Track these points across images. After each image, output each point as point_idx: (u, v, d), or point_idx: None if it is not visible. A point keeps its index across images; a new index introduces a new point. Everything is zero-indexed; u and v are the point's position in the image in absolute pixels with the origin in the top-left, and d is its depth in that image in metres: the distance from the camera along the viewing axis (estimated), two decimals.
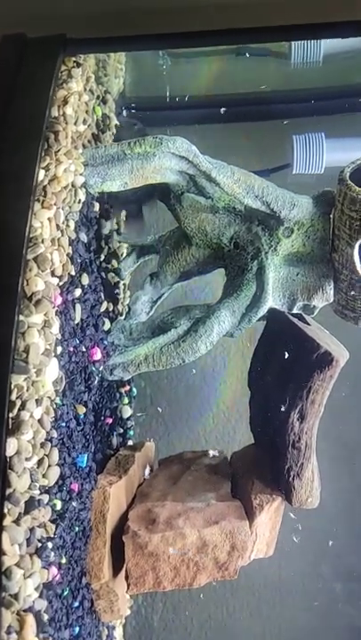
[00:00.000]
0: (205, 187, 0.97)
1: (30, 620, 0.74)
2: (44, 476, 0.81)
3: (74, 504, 0.87)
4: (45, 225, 0.83)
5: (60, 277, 0.87)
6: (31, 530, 0.77)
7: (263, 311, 0.99)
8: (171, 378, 1.36)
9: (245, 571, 0.95)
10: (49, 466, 0.82)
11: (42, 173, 0.85)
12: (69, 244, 0.90)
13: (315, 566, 1.35)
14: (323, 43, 1.16)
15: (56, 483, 0.83)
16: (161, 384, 1.38)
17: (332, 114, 1.25)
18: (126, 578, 0.94)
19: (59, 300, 0.85)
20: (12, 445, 0.73)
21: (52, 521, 0.82)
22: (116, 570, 0.95)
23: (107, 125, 1.11)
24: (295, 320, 0.99)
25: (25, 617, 0.74)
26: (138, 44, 0.99)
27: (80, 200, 0.94)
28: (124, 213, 1.20)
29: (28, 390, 0.78)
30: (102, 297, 1.04)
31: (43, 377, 0.80)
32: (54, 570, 0.82)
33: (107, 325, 1.03)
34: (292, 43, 1.15)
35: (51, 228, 0.84)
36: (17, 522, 0.74)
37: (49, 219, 0.84)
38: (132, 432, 1.19)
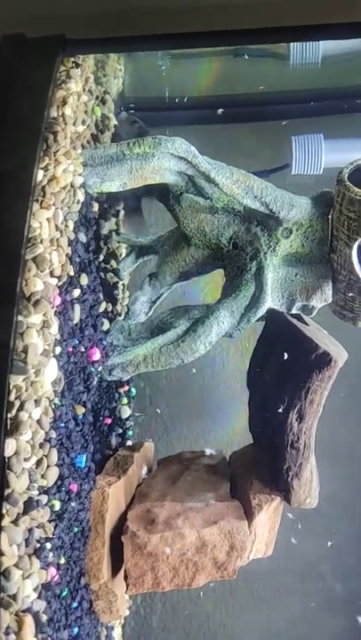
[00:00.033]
0: (204, 187, 0.97)
1: (29, 621, 0.74)
2: (42, 476, 0.81)
3: (73, 504, 0.87)
4: (44, 225, 0.83)
5: (59, 278, 0.87)
6: (30, 530, 0.77)
7: (262, 311, 0.99)
8: (170, 378, 1.36)
9: (244, 571, 0.95)
10: (48, 466, 0.82)
11: (41, 174, 0.85)
12: (68, 245, 0.90)
13: (313, 566, 1.35)
14: (321, 44, 1.16)
15: (55, 483, 0.83)
16: (160, 384, 1.38)
17: (331, 115, 1.25)
18: (125, 578, 0.94)
19: (57, 301, 0.85)
20: (10, 446, 0.73)
21: (51, 521, 0.82)
22: (114, 570, 0.95)
23: (106, 126, 1.11)
24: (294, 320, 0.99)
25: (23, 618, 0.74)
26: (137, 44, 0.99)
27: (79, 200, 0.94)
28: (122, 213, 1.20)
29: (26, 391, 0.78)
30: (101, 297, 1.04)
31: (41, 377, 0.80)
32: (53, 570, 0.82)
33: (106, 326, 1.03)
34: (291, 44, 1.16)
35: (49, 228, 0.84)
36: (15, 522, 0.74)
37: (48, 219, 0.84)
38: (130, 432, 1.19)
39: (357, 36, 0.89)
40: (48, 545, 0.80)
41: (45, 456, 0.81)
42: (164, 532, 0.91)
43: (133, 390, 1.22)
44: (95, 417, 1.02)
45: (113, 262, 1.14)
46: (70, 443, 0.89)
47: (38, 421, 0.80)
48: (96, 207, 1.04)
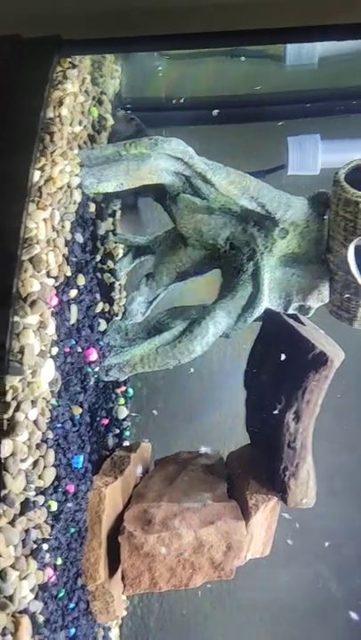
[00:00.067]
0: (201, 188, 0.97)
1: (25, 622, 0.74)
2: (39, 477, 0.81)
3: (69, 505, 0.87)
4: (41, 226, 0.83)
5: (56, 278, 0.87)
6: (26, 531, 0.77)
7: (259, 312, 0.99)
8: (167, 378, 1.36)
9: (241, 570, 0.95)
10: (44, 467, 0.82)
11: (37, 174, 0.85)
12: (65, 245, 0.90)
13: (311, 566, 1.36)
14: (318, 45, 1.16)
15: (51, 484, 0.83)
16: (157, 384, 1.38)
17: (328, 115, 1.26)
18: (122, 579, 0.94)
19: (54, 301, 0.85)
20: (7, 447, 0.73)
21: (48, 522, 0.82)
22: (111, 571, 0.95)
23: (103, 126, 1.11)
24: (291, 320, 1.00)
25: (20, 619, 0.74)
26: (134, 45, 0.99)
27: (76, 201, 0.94)
28: (119, 213, 1.21)
29: (23, 391, 0.78)
30: (98, 298, 1.04)
31: (38, 378, 0.80)
32: (50, 571, 0.82)
33: (102, 326, 1.03)
34: (287, 45, 1.16)
35: (46, 228, 0.84)
36: (12, 523, 0.74)
37: (44, 219, 0.84)
38: (127, 433, 1.19)
39: (357, 37, 0.89)
40: (45, 546, 0.80)
41: (42, 457, 0.81)
42: (160, 532, 0.91)
43: (130, 391, 1.22)
44: (92, 417, 1.02)
45: (110, 263, 1.14)
46: (67, 443, 0.89)
47: (35, 422, 0.80)
48: (93, 207, 1.04)
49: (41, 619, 0.79)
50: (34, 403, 0.79)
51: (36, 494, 0.80)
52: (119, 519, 0.95)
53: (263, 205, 0.96)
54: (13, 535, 0.74)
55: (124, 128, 1.14)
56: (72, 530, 0.88)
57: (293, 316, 1.01)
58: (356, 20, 0.83)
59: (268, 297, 0.99)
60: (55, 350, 0.85)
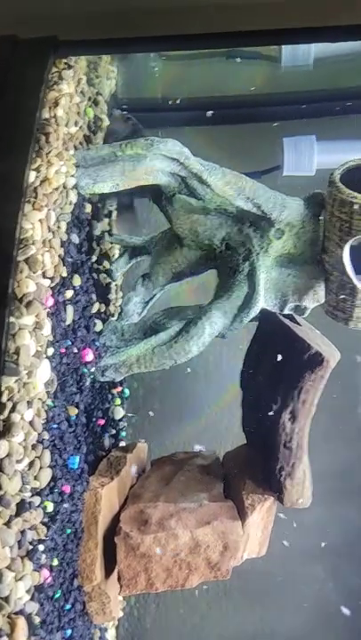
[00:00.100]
0: (197, 188, 0.98)
1: (21, 623, 0.74)
2: (35, 478, 0.81)
3: (65, 506, 0.87)
4: (36, 226, 0.83)
5: (52, 279, 0.87)
6: (22, 532, 0.77)
7: (255, 312, 0.99)
8: (163, 379, 1.36)
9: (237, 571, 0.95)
10: (40, 468, 0.82)
11: (33, 175, 0.85)
12: (61, 246, 0.90)
13: (307, 566, 1.36)
14: (313, 46, 1.17)
15: (47, 485, 0.83)
16: (153, 385, 1.38)
17: (323, 117, 1.26)
18: (118, 579, 0.94)
19: (50, 302, 0.85)
20: (2, 447, 0.73)
21: (44, 523, 0.82)
22: (108, 571, 0.95)
23: (98, 127, 1.11)
24: (286, 321, 1.00)
25: (16, 620, 0.73)
26: (130, 46, 1.00)
27: (71, 201, 0.94)
28: (115, 214, 1.21)
29: (19, 392, 0.77)
30: (94, 298, 1.04)
31: (34, 379, 0.80)
32: (46, 572, 0.81)
33: (98, 326, 1.03)
34: (283, 46, 1.16)
35: (42, 229, 0.84)
36: (8, 524, 0.74)
37: (40, 220, 0.84)
38: (124, 433, 1.19)
39: (356, 38, 0.89)
40: (41, 547, 0.80)
41: (38, 457, 0.81)
42: (157, 532, 0.91)
43: (127, 391, 1.22)
44: (88, 418, 1.02)
45: (106, 263, 1.14)
46: (63, 444, 0.89)
47: (31, 423, 0.80)
48: (89, 208, 1.04)
49: (37, 620, 0.79)
50: (30, 403, 0.79)
51: (32, 495, 0.80)
52: (115, 520, 0.95)
53: (259, 206, 0.97)
54: (9, 536, 0.74)
55: (121, 128, 1.14)
56: (68, 531, 0.88)
57: (289, 317, 1.02)
58: (355, 22, 0.83)
59: (264, 297, 0.99)
60: (51, 351, 0.85)
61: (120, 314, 1.15)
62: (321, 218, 0.98)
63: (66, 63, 0.97)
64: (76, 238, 0.97)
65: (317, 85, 1.26)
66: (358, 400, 1.35)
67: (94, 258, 1.08)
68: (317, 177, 1.22)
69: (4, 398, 0.75)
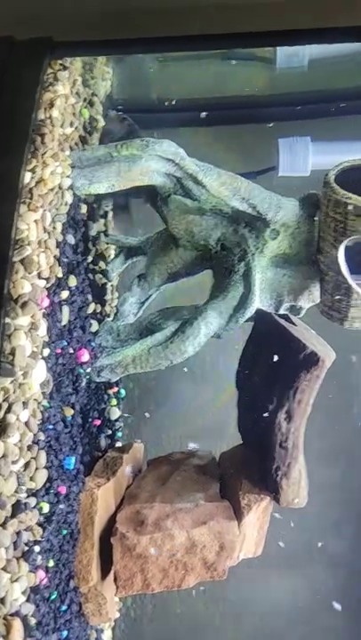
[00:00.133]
0: (192, 189, 0.98)
1: (17, 625, 0.74)
2: (31, 478, 0.81)
3: (61, 507, 0.87)
4: (32, 227, 0.83)
5: (47, 279, 0.87)
6: (18, 533, 0.77)
7: (250, 312, 0.99)
8: (159, 379, 1.36)
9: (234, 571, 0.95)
10: (36, 469, 0.82)
11: (28, 176, 0.85)
12: (56, 246, 0.90)
13: (304, 567, 1.36)
14: (308, 48, 1.17)
15: (43, 485, 0.83)
16: (149, 385, 1.38)
17: (318, 118, 1.27)
18: (115, 580, 0.94)
19: (46, 303, 0.85)
20: None
21: (40, 524, 0.82)
22: (104, 572, 0.95)
23: (94, 128, 1.11)
24: (282, 321, 1.00)
25: (12, 621, 0.73)
26: (126, 47, 1.00)
27: (67, 202, 0.94)
28: (111, 215, 1.21)
29: (14, 393, 0.77)
30: (90, 299, 1.04)
31: (29, 379, 0.80)
32: (42, 573, 0.81)
33: (94, 327, 1.03)
34: (277, 48, 1.17)
35: (37, 230, 0.84)
36: (3, 525, 0.74)
37: (35, 221, 0.84)
38: (120, 433, 1.19)
39: (356, 39, 0.89)
40: (37, 548, 0.80)
41: (34, 458, 0.81)
42: (153, 533, 0.91)
43: (122, 391, 1.22)
44: (84, 418, 1.02)
45: (102, 264, 1.14)
46: (59, 445, 0.89)
47: (26, 423, 0.80)
48: (84, 209, 1.04)
49: (33, 621, 0.79)
50: (25, 404, 0.79)
51: (28, 496, 0.80)
52: (112, 520, 0.95)
53: (254, 206, 0.97)
54: (5, 537, 0.73)
55: (117, 128, 1.15)
56: (64, 532, 0.88)
57: (285, 317, 1.02)
58: (354, 23, 0.84)
59: (260, 297, 0.99)
60: (47, 351, 0.85)
61: (116, 314, 1.15)
62: (316, 218, 0.99)
63: (61, 64, 0.97)
64: (71, 239, 0.97)
65: (312, 87, 1.27)
66: (354, 400, 1.35)
67: (90, 258, 1.08)
68: (312, 178, 1.22)
69: (0, 399, 0.75)
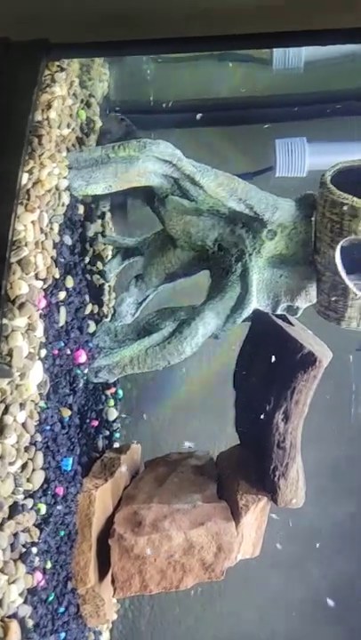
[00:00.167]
0: (189, 190, 0.98)
1: (14, 627, 0.73)
2: (28, 480, 0.80)
3: (59, 508, 0.86)
4: (29, 228, 0.83)
5: (45, 280, 0.87)
6: (15, 535, 0.76)
7: (248, 312, 1.00)
8: (156, 379, 1.36)
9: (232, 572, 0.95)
10: (33, 470, 0.81)
11: (25, 177, 0.85)
12: (53, 247, 0.90)
13: (301, 568, 1.36)
14: (304, 50, 1.18)
15: (40, 487, 0.83)
16: (147, 386, 1.38)
17: (314, 119, 1.27)
18: (112, 582, 0.93)
19: (43, 303, 0.85)
20: None
21: (37, 525, 0.81)
22: (102, 574, 0.95)
23: (91, 129, 1.11)
24: (279, 321, 1.00)
25: (9, 623, 0.73)
26: (122, 49, 1.00)
27: (64, 203, 0.94)
28: (108, 215, 1.21)
29: (11, 394, 0.77)
30: (87, 299, 1.04)
31: (27, 380, 0.80)
32: (39, 575, 0.81)
33: (92, 328, 1.03)
34: (274, 49, 1.18)
35: (34, 231, 0.84)
36: (0, 527, 0.74)
37: (33, 222, 0.84)
38: (117, 434, 1.19)
39: (355, 41, 0.90)
40: (34, 549, 0.80)
41: (31, 459, 0.81)
42: (151, 534, 0.91)
43: (120, 392, 1.22)
44: (81, 419, 1.02)
45: (99, 264, 1.14)
46: (56, 446, 0.89)
47: (23, 425, 0.80)
48: (81, 209, 1.04)
49: (30, 623, 0.79)
50: (22, 405, 0.79)
51: (25, 497, 0.79)
52: (109, 521, 0.95)
53: (251, 207, 0.97)
54: (2, 539, 0.73)
55: (115, 129, 1.15)
56: (62, 533, 0.88)
57: (282, 317, 1.02)
58: (354, 25, 0.84)
59: (257, 298, 0.99)
60: (44, 352, 0.85)
61: (113, 315, 1.15)
62: (313, 219, 0.99)
63: (58, 66, 0.97)
64: (68, 240, 0.97)
65: (308, 88, 1.27)
66: (351, 399, 1.35)
67: (87, 259, 1.08)
68: (309, 178, 1.23)
69: None
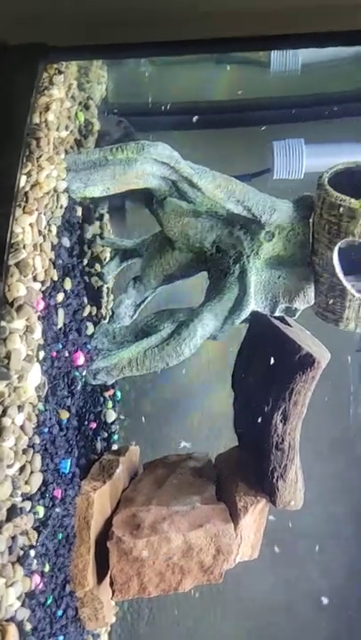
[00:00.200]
0: (187, 192, 0.98)
1: (12, 630, 0.73)
2: (26, 482, 0.80)
3: (57, 510, 0.86)
4: (27, 230, 0.83)
5: (43, 282, 0.87)
6: (13, 538, 0.76)
7: (246, 314, 1.00)
8: (155, 381, 1.36)
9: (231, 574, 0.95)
10: (31, 472, 0.81)
11: (23, 179, 0.85)
12: (52, 249, 0.90)
13: (300, 570, 1.36)
14: (301, 52, 1.19)
15: (38, 489, 0.83)
16: (145, 387, 1.38)
17: (312, 120, 1.28)
18: (111, 584, 0.93)
19: (41, 305, 0.85)
20: None
21: (35, 528, 0.81)
22: (100, 576, 0.94)
23: (89, 131, 1.11)
24: (277, 322, 1.00)
25: (7, 627, 0.73)
26: (120, 52, 1.00)
27: (62, 205, 0.94)
28: (107, 217, 1.21)
29: (9, 396, 0.77)
30: (85, 301, 1.04)
31: (25, 383, 0.80)
32: (37, 578, 0.81)
33: (90, 330, 1.03)
34: (271, 52, 1.18)
35: (32, 233, 0.84)
36: None
37: (31, 224, 0.84)
38: (116, 436, 1.19)
39: (352, 44, 0.90)
40: (32, 552, 0.79)
41: (29, 462, 0.81)
42: (149, 536, 0.91)
43: (118, 394, 1.22)
44: (80, 421, 1.02)
45: (97, 266, 1.14)
46: (54, 448, 0.88)
47: (21, 427, 0.80)
48: (80, 212, 1.04)
49: (28, 627, 0.78)
50: (20, 408, 0.79)
51: (23, 500, 0.79)
52: (108, 524, 0.95)
53: (249, 209, 0.98)
54: (0, 542, 0.73)
55: (113, 131, 1.15)
56: (60, 536, 0.87)
57: (280, 318, 1.02)
58: (352, 28, 0.84)
59: (255, 299, 0.99)
60: (42, 354, 0.85)
61: (111, 316, 1.15)
62: (310, 220, 0.99)
63: (56, 68, 0.97)
64: (66, 242, 0.97)
65: (305, 90, 1.28)
66: (349, 400, 1.36)
67: (85, 261, 1.08)
68: (306, 180, 1.23)
69: None
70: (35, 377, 0.83)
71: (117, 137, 1.14)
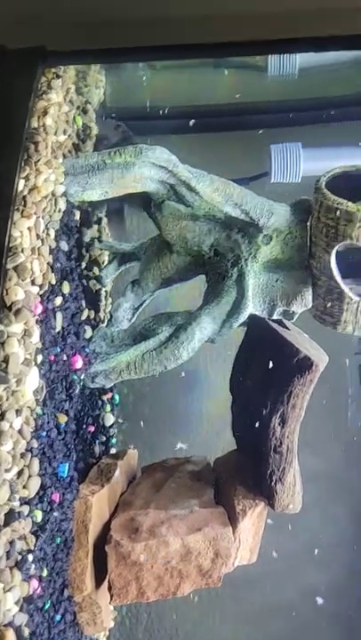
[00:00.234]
0: (185, 195, 0.98)
1: (10, 635, 0.73)
2: (24, 486, 0.80)
3: (55, 515, 0.86)
4: (25, 234, 0.83)
5: (41, 286, 0.87)
6: (11, 542, 0.76)
7: (244, 317, 1.00)
8: (153, 385, 1.36)
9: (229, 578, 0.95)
10: (29, 476, 0.81)
11: (21, 183, 0.85)
12: (50, 253, 0.90)
13: (299, 572, 1.36)
14: (298, 56, 1.19)
15: (37, 493, 0.82)
16: (143, 391, 1.38)
17: (309, 124, 1.29)
18: (109, 589, 0.93)
19: (39, 309, 0.85)
20: None
21: (33, 533, 0.81)
22: (98, 581, 0.94)
23: (87, 135, 1.11)
24: (275, 325, 1.01)
25: (5, 632, 0.72)
26: (118, 56, 1.01)
27: (60, 209, 0.94)
28: (105, 221, 1.21)
29: (7, 400, 0.77)
30: (83, 305, 1.04)
31: (23, 386, 0.80)
32: (35, 583, 0.80)
33: (88, 333, 1.03)
34: (269, 56, 1.19)
35: (31, 237, 0.84)
36: None
37: (29, 228, 0.84)
38: (114, 440, 1.18)
39: (351, 48, 0.90)
40: (30, 557, 0.79)
41: (27, 466, 0.81)
42: (148, 540, 0.91)
43: (117, 397, 1.21)
44: (78, 425, 1.02)
45: (95, 270, 1.14)
46: (52, 452, 0.88)
47: (19, 431, 0.79)
48: (78, 215, 1.04)
49: (26, 632, 0.78)
50: (18, 412, 0.79)
51: (21, 504, 0.79)
52: (106, 528, 0.94)
53: (247, 212, 0.98)
54: None
55: (111, 135, 1.15)
56: (58, 540, 0.87)
57: (278, 321, 1.03)
58: (351, 32, 0.85)
59: (253, 302, 1.00)
60: (40, 358, 0.85)
61: (110, 320, 1.15)
62: (308, 224, 0.99)
63: (55, 73, 0.97)
64: (65, 245, 0.97)
65: (303, 94, 1.29)
66: (347, 403, 1.36)
67: (84, 264, 1.08)
68: (304, 183, 1.24)
69: None
70: (33, 381, 0.83)
71: (115, 141, 1.14)
